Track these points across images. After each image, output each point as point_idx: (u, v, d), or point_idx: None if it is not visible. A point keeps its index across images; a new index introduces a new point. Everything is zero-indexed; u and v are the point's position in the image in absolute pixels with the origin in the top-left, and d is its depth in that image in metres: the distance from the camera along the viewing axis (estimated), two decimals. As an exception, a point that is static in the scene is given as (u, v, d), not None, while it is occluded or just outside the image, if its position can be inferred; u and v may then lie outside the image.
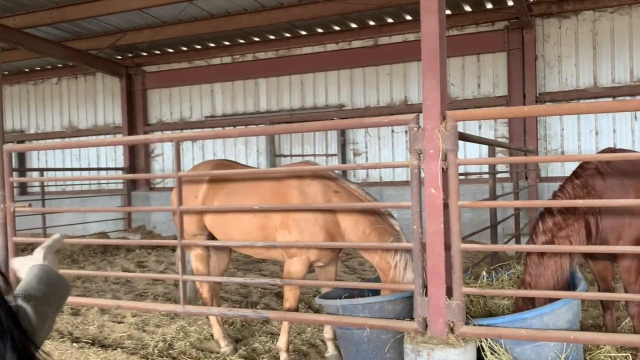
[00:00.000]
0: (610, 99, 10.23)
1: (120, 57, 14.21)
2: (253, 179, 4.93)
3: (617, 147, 9.85)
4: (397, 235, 4.40)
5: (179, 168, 4.56)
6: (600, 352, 3.90)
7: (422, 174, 3.66)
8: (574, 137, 10.85)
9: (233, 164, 5.46)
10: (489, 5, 10.99)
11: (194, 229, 5.14)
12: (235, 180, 5.01)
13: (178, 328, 5.62)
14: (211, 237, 5.21)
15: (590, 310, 5.78)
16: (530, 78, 10.84)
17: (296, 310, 4.71)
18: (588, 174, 4.21)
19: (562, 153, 10.83)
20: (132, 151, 14.48)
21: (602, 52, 10.60)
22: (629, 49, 10.40)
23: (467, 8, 11.13)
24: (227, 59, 13.70)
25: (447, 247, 3.61)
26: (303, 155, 12.86)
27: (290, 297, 4.68)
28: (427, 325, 3.64)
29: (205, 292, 5.24)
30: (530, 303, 3.98)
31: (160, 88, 14.41)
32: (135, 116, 14.46)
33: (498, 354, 3.62)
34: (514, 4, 10.12)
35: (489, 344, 3.65)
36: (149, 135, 4.99)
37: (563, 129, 10.93)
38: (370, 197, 4.57)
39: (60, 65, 15.01)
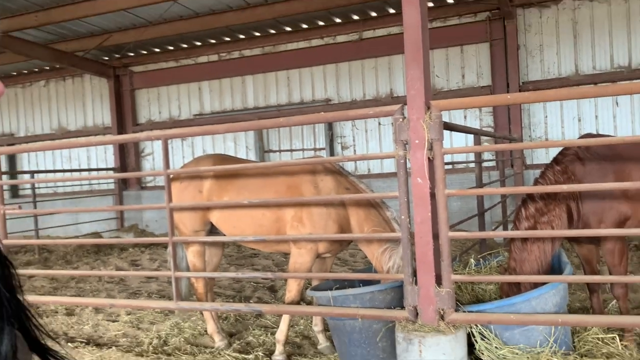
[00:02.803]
0: (592, 86, 10.26)
1: (107, 58, 14.06)
2: (264, 174, 4.89)
3: (600, 133, 9.90)
4: (395, 243, 4.39)
5: (167, 165, 4.52)
6: (588, 334, 3.91)
7: (409, 165, 3.65)
8: (558, 125, 10.88)
9: (235, 159, 5.42)
10: (471, -3, 10.99)
11: (197, 225, 5.06)
12: (244, 174, 4.94)
13: (172, 324, 5.58)
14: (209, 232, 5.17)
15: (577, 294, 5.81)
16: (513, 67, 10.86)
17: (299, 302, 4.71)
18: (568, 160, 4.22)
19: (546, 140, 10.86)
20: (122, 151, 14.36)
21: (583, 40, 10.63)
22: (609, 36, 10.43)
23: (450, 0, 11.11)
24: (214, 57, 13.59)
25: (435, 236, 3.60)
26: (292, 151, 12.81)
27: (294, 288, 4.68)
28: (417, 314, 3.64)
29: (200, 287, 5.19)
30: (516, 288, 3.99)
31: (148, 88, 14.27)
32: (124, 116, 14.32)
33: (488, 339, 3.63)
34: (495, -5, 10.12)
35: (479, 329, 3.66)
36: (136, 134, 4.95)
37: (546, 117, 10.96)
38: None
39: (47, 68, 14.82)
